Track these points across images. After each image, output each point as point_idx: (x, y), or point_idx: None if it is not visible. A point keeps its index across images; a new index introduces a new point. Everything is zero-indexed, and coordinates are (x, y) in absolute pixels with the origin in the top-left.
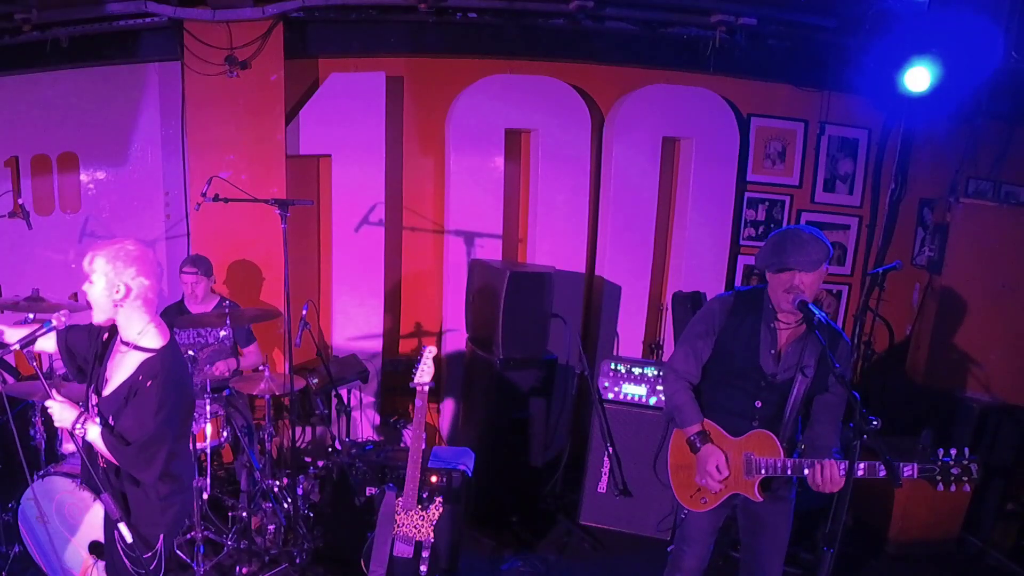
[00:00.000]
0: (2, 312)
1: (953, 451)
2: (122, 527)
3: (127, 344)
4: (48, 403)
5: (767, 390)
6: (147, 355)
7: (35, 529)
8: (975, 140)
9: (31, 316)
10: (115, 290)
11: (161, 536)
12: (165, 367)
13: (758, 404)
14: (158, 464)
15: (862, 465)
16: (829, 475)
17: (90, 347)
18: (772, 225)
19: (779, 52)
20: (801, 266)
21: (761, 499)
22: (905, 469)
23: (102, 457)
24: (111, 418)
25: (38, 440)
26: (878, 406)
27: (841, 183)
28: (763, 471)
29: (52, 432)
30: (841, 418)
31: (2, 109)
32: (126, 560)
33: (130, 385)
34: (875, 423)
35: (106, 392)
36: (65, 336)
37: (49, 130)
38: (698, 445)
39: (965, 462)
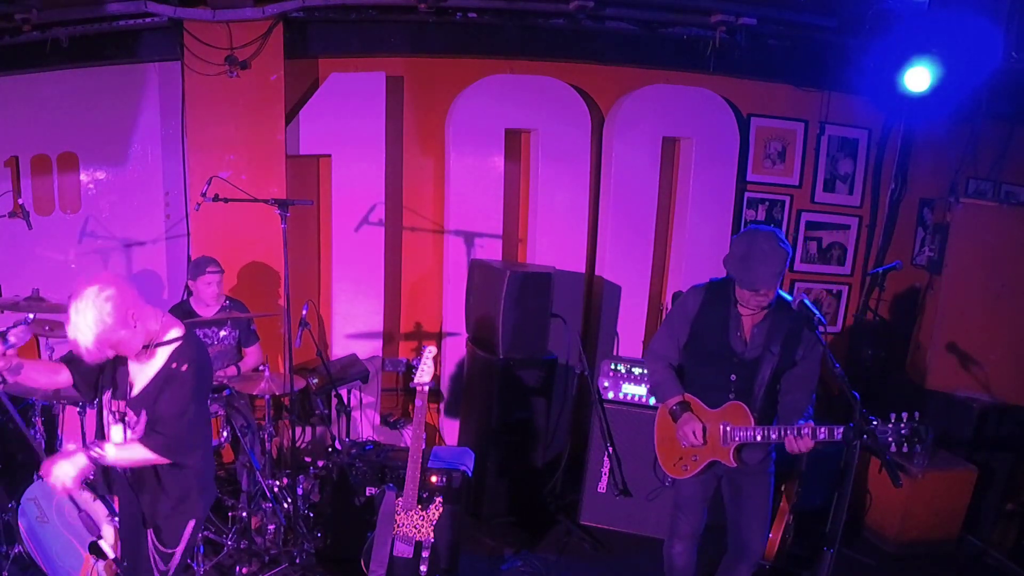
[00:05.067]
0: (2, 312)
1: (904, 415)
2: (103, 544)
3: (146, 346)
4: (45, 471)
5: (739, 366)
6: (175, 344)
7: (35, 529)
8: (975, 140)
9: (31, 316)
10: (129, 323)
11: (191, 523)
12: (194, 351)
13: (733, 377)
14: (200, 443)
15: (823, 429)
16: (802, 442)
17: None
18: (772, 225)
19: (779, 52)
20: (764, 284)
21: (735, 464)
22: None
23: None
24: (145, 412)
25: (38, 440)
26: (878, 406)
27: (841, 183)
28: (737, 439)
29: (52, 432)
30: (814, 388)
31: (2, 109)
32: (156, 558)
33: (165, 375)
34: (875, 423)
35: (134, 393)
36: (79, 367)
37: (49, 130)
38: (678, 414)
39: (915, 425)
